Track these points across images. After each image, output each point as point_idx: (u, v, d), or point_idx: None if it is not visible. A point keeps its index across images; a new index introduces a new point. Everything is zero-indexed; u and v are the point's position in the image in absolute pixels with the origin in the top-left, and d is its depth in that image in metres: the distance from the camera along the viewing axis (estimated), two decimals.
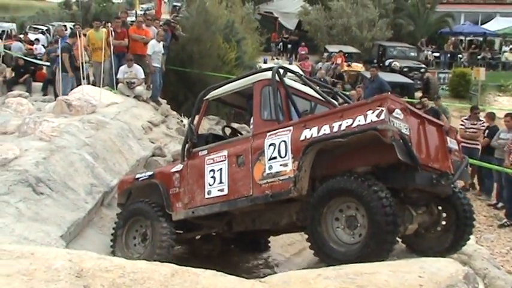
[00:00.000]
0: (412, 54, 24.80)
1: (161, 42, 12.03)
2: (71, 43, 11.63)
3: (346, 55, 22.62)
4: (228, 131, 6.16)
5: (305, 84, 5.56)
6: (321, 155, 4.37)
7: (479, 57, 27.47)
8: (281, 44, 30.83)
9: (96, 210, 6.43)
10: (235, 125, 9.24)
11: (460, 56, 28.05)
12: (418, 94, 18.01)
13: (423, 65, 23.26)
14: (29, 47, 19.85)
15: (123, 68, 11.34)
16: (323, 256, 4.29)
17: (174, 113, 12.49)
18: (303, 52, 25.78)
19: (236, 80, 5.57)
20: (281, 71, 5.12)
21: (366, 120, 4.08)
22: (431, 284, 3.21)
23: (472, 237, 5.02)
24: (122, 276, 2.94)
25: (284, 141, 4.54)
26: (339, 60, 21.44)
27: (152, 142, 9.38)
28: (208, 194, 5.08)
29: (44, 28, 28.04)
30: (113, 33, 11.79)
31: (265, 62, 21.38)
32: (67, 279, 2.80)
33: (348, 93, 11.10)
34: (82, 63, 10.19)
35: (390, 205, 3.93)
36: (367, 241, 4.00)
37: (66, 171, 6.19)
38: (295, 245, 6.58)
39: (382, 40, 26.98)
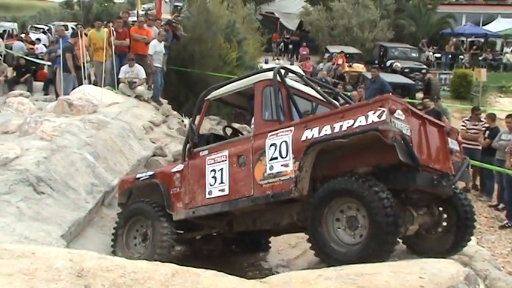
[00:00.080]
0: (414, 55, 24.82)
1: (162, 42, 12.04)
2: (73, 43, 11.64)
3: (348, 56, 22.62)
4: (229, 131, 6.16)
5: (306, 84, 5.56)
6: (322, 155, 4.37)
7: (480, 58, 27.45)
8: (282, 44, 30.84)
9: (97, 210, 6.43)
10: (236, 125, 9.24)
11: (461, 57, 28.02)
12: (419, 95, 18.01)
13: (424, 66, 23.27)
14: (31, 46, 19.89)
15: (124, 67, 11.36)
16: (324, 256, 4.29)
17: (175, 113, 12.50)
18: (304, 52, 25.78)
19: (237, 80, 5.57)
20: (282, 71, 5.12)
21: (367, 121, 4.08)
22: (432, 285, 3.20)
23: (473, 238, 5.01)
24: (122, 276, 2.94)
25: (285, 141, 4.53)
26: (340, 61, 21.43)
27: (153, 142, 9.39)
28: (209, 194, 5.08)
29: (46, 28, 28.09)
30: (114, 33, 11.80)
31: (266, 63, 21.38)
32: (68, 279, 2.81)
33: (349, 93, 11.11)
34: (83, 63, 10.20)
35: (391, 206, 3.93)
36: (367, 242, 4.00)
37: (67, 170, 6.20)
38: (297, 245, 6.57)
39: (384, 41, 27.01)
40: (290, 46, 30.19)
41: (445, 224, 4.85)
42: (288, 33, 31.36)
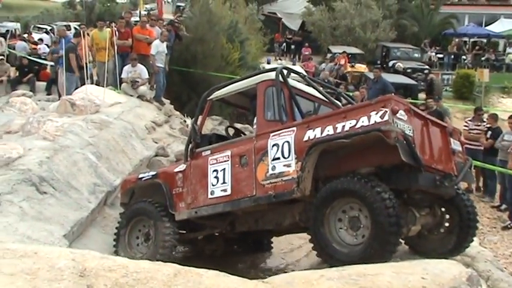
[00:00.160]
0: (416, 55, 24.78)
1: (165, 43, 12.04)
2: (76, 43, 11.65)
3: (350, 56, 22.59)
4: (231, 131, 6.16)
5: (308, 85, 5.56)
6: (324, 155, 4.37)
7: (483, 58, 27.39)
8: (284, 44, 30.79)
9: (99, 210, 6.44)
10: (238, 126, 9.24)
11: (463, 57, 27.96)
12: (422, 95, 17.98)
13: (427, 66, 23.21)
14: (33, 46, 19.90)
15: (127, 67, 11.36)
16: (326, 257, 4.28)
17: (178, 113, 12.51)
18: (306, 53, 25.76)
19: (240, 81, 5.58)
20: (285, 71, 5.12)
21: (369, 121, 4.08)
22: (434, 285, 3.20)
23: (475, 239, 5.01)
24: (124, 275, 2.95)
25: (287, 141, 4.54)
26: (342, 61, 21.41)
27: (155, 142, 9.40)
28: (211, 194, 5.08)
29: (48, 28, 28.12)
30: (116, 33, 11.80)
31: (268, 63, 21.38)
32: (70, 279, 2.81)
33: (351, 94, 11.11)
34: (86, 63, 10.21)
35: (393, 206, 3.92)
36: (370, 242, 4.00)
37: (70, 170, 6.21)
38: (301, 246, 6.56)
39: (386, 41, 26.97)
40: (292, 46, 30.14)
41: (447, 224, 4.84)
42: (290, 34, 31.33)
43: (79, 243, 5.53)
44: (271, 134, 4.70)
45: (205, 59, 14.52)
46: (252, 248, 6.54)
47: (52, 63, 14.69)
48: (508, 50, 29.15)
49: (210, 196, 5.09)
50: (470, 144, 10.13)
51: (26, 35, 22.94)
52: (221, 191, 4.99)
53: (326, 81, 15.31)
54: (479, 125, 10.99)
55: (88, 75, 10.44)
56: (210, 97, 5.68)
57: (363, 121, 4.12)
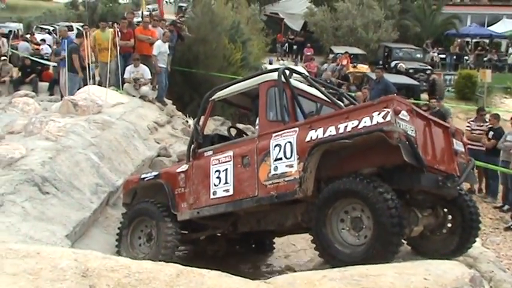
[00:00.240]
0: (418, 55, 24.73)
1: (167, 43, 12.06)
2: (78, 43, 11.67)
3: (352, 56, 22.58)
4: (233, 131, 6.16)
5: (311, 85, 5.55)
6: (327, 156, 4.37)
7: (485, 59, 27.33)
8: (287, 45, 30.75)
9: (102, 210, 6.45)
10: (240, 126, 9.24)
11: (466, 57, 27.90)
12: (424, 96, 17.96)
13: (429, 67, 23.19)
14: (36, 47, 19.94)
15: (130, 67, 11.38)
16: (328, 257, 4.28)
17: (180, 113, 12.52)
18: (308, 53, 25.73)
19: (242, 81, 5.58)
20: (287, 72, 5.12)
21: (371, 122, 4.08)
22: (437, 286, 3.20)
23: (477, 239, 4.99)
24: (127, 276, 2.95)
25: (290, 142, 4.54)
26: (344, 62, 21.40)
27: (157, 142, 9.40)
28: (213, 194, 5.09)
29: (51, 28, 28.14)
30: (119, 33, 11.82)
31: (270, 63, 21.38)
32: (73, 279, 2.81)
33: (353, 94, 11.11)
34: (88, 63, 10.22)
35: (396, 207, 3.92)
36: (372, 243, 3.99)
37: (72, 171, 6.22)
38: (303, 247, 6.56)
39: (388, 41, 26.92)
40: (294, 47, 30.13)
41: (449, 225, 4.83)
42: (292, 34, 31.30)
43: (81, 243, 5.53)
44: (274, 135, 4.70)
45: (207, 60, 14.53)
46: (254, 248, 6.54)
47: (55, 64, 14.71)
48: (511, 50, 29.11)
49: (212, 196, 5.10)
50: (473, 145, 10.10)
51: (28, 36, 22.99)
52: (223, 191, 4.99)
53: (328, 81, 15.28)
54: (481, 126, 10.97)
55: (90, 75, 10.45)
56: (212, 97, 5.68)
57: (365, 121, 4.12)
